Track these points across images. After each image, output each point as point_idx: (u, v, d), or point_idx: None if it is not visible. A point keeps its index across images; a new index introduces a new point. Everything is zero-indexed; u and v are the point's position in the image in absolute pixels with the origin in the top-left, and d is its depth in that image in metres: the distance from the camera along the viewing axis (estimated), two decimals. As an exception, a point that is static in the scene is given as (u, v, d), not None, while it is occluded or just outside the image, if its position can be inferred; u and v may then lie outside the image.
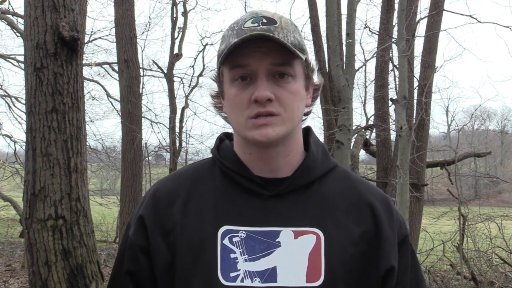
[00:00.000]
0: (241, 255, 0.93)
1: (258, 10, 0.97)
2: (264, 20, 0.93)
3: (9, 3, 8.86)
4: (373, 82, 8.48)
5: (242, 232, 0.94)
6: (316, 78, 1.04)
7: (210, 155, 1.08)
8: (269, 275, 0.92)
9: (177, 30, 9.80)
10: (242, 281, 0.91)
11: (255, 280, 0.91)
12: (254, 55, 0.91)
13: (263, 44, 0.91)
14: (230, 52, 0.91)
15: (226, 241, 0.93)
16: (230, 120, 1.00)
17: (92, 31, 11.08)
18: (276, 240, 0.93)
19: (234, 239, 0.94)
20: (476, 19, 4.69)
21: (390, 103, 7.11)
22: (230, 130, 1.11)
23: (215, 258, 0.93)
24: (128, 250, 1.01)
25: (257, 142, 0.93)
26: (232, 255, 0.93)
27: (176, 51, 9.64)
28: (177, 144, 9.18)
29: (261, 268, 0.92)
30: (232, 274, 0.92)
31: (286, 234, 0.94)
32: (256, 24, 0.92)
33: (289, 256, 0.93)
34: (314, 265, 0.92)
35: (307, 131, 1.07)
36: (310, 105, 1.04)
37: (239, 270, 0.92)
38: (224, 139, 1.08)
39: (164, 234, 0.97)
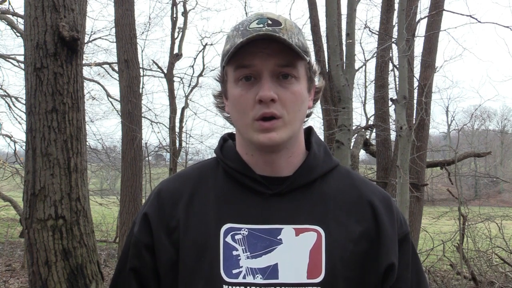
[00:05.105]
0: (243, 252, 0.94)
1: (263, 12, 0.98)
2: (269, 22, 0.94)
3: (9, 3, 8.88)
4: (373, 82, 8.47)
5: (244, 230, 0.95)
6: (317, 80, 1.05)
7: (210, 155, 1.10)
8: (271, 272, 0.93)
9: (177, 30, 9.81)
10: (244, 277, 0.93)
11: (257, 276, 0.93)
12: (259, 55, 0.92)
13: (268, 45, 0.92)
14: (235, 52, 0.92)
15: (228, 239, 0.95)
16: (233, 120, 1.01)
17: (92, 31, 11.13)
18: (278, 238, 0.95)
19: (237, 237, 0.95)
20: (476, 19, 4.67)
21: (390, 103, 7.11)
22: (231, 130, 1.12)
23: (218, 256, 0.94)
24: (132, 247, 1.03)
25: (262, 144, 0.95)
26: (234, 252, 0.94)
27: (176, 51, 9.64)
28: (177, 144, 9.17)
29: (262, 265, 0.94)
30: (234, 271, 0.93)
31: (287, 231, 0.95)
32: (261, 25, 0.93)
33: (291, 253, 0.94)
34: (315, 262, 0.94)
35: (309, 131, 1.09)
36: (311, 107, 1.05)
37: (241, 267, 0.94)
38: (227, 139, 1.09)
39: (168, 232, 0.99)
